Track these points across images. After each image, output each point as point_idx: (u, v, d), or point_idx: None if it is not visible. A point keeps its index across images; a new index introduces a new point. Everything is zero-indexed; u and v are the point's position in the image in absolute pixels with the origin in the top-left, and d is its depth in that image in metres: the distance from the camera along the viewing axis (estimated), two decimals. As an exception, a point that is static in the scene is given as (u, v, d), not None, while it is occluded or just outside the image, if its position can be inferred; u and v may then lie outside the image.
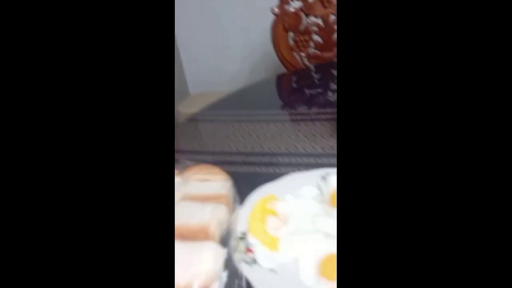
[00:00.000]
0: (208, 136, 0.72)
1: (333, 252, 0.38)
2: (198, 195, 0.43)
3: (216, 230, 0.38)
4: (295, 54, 1.10)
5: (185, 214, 0.38)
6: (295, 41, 1.09)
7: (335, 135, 0.66)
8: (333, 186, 0.46)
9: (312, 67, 1.10)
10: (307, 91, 0.97)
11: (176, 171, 0.48)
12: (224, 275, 0.33)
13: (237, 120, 0.77)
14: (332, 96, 0.85)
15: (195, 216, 0.38)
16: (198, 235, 0.36)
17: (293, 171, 0.53)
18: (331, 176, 0.48)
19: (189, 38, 1.71)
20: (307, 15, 1.05)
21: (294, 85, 1.07)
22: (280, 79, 1.09)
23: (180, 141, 0.71)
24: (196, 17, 1.67)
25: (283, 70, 1.18)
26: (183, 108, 1.50)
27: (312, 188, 0.48)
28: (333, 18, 1.05)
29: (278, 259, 0.39)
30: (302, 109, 0.82)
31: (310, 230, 0.42)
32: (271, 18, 1.08)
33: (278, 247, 0.40)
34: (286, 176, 0.51)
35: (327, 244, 0.39)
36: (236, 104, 0.88)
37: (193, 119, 0.82)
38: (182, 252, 0.33)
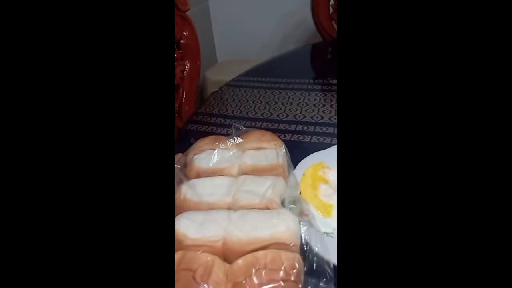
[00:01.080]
0: (248, 102, 0.72)
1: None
2: (256, 167, 0.43)
3: (279, 205, 0.39)
4: (333, 23, 1.05)
5: (247, 191, 0.38)
6: (334, 9, 1.04)
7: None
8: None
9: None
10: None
11: (230, 142, 0.47)
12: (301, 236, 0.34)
13: (276, 88, 0.77)
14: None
15: (257, 194, 0.38)
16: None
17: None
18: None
19: (221, 5, 1.66)
20: None
21: (329, 56, 1.04)
22: (315, 48, 1.06)
23: (218, 107, 0.71)
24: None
25: (316, 40, 1.14)
26: (211, 75, 1.48)
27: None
28: None
29: (332, 224, 0.40)
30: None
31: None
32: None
33: (332, 214, 0.41)
34: (335, 146, 0.51)
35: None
36: (271, 72, 0.87)
37: (230, 85, 0.81)
38: (259, 219, 0.34)
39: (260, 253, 0.31)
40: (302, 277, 0.31)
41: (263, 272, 0.29)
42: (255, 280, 0.29)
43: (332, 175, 0.46)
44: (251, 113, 0.68)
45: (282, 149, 0.47)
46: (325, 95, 0.73)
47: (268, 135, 0.48)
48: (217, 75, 1.44)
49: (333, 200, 0.43)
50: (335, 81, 0.78)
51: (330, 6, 1.05)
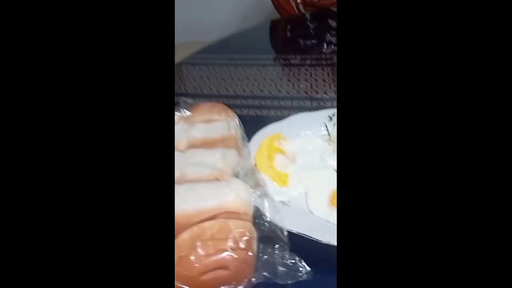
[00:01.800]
0: (203, 80, 0.69)
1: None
2: (205, 140, 0.41)
3: (230, 176, 0.36)
4: (291, 0, 1.04)
5: (195, 164, 0.36)
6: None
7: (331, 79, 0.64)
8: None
9: (307, 15, 1.05)
10: (301, 41, 0.93)
11: (178, 115, 0.45)
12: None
13: (233, 64, 0.74)
14: (327, 49, 0.82)
15: (207, 166, 0.36)
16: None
17: (296, 113, 0.52)
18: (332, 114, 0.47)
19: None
20: None
21: (288, 34, 1.02)
22: (273, 25, 1.04)
23: (174, 85, 0.67)
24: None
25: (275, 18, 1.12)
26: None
27: (318, 128, 0.47)
28: None
29: (288, 193, 0.39)
30: (295, 58, 0.78)
31: (319, 166, 0.41)
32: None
33: (288, 183, 0.40)
34: (291, 117, 0.50)
35: (336, 178, 0.39)
36: (228, 49, 0.84)
37: (185, 63, 0.77)
38: (207, 190, 0.32)
39: (207, 223, 0.29)
40: (255, 246, 0.30)
41: (210, 243, 0.27)
42: (201, 252, 0.27)
43: (288, 146, 0.45)
44: (206, 90, 0.65)
45: (235, 121, 0.44)
46: (283, 69, 0.71)
47: (219, 106, 0.45)
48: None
49: (289, 170, 0.42)
50: (295, 57, 0.76)
51: (286, -17, 1.03)
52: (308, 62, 0.73)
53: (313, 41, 0.92)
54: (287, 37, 1.00)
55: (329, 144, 0.45)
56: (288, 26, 1.05)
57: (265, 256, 0.30)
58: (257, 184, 0.38)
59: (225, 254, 0.27)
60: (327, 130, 0.47)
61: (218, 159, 0.37)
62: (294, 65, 0.72)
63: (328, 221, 0.35)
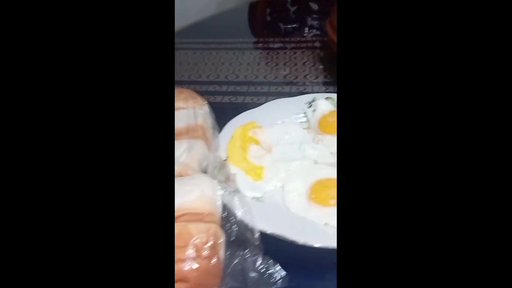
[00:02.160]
0: (175, 66, 0.63)
1: (323, 177, 0.34)
2: None
3: (195, 171, 0.32)
4: (269, -20, 0.98)
5: None
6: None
7: (319, 64, 0.60)
8: (321, 112, 0.42)
9: (287, -3, 1.00)
10: (281, 26, 0.88)
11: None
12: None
13: (207, 48, 0.68)
14: (308, 33, 0.77)
15: None
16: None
17: (274, 99, 0.47)
18: (318, 101, 0.43)
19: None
20: None
21: (268, 18, 0.97)
22: (252, 8, 0.98)
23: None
24: None
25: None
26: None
27: (297, 115, 0.43)
28: None
29: (263, 188, 0.35)
30: (274, 41, 0.74)
31: (297, 157, 0.38)
32: None
33: (262, 176, 0.36)
34: (268, 104, 0.45)
35: (316, 170, 0.36)
36: (204, 32, 0.78)
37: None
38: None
39: (163, 228, 0.24)
40: (222, 252, 0.26)
41: (166, 251, 0.23)
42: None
43: (263, 135, 0.41)
44: (177, 75, 0.59)
45: (204, 108, 0.40)
46: (261, 53, 0.66)
47: (185, 93, 0.40)
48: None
49: (264, 162, 0.38)
50: (271, 39, 0.72)
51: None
52: (288, 46, 0.69)
53: (294, 25, 0.87)
54: (266, 21, 0.95)
55: (308, 132, 0.41)
56: (268, 10, 0.99)
57: (234, 262, 0.26)
58: (227, 179, 0.34)
59: (184, 264, 0.23)
60: (307, 117, 0.43)
61: (183, 152, 0.32)
62: (273, 49, 0.68)
63: (305, 218, 0.31)
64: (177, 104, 0.39)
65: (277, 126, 0.42)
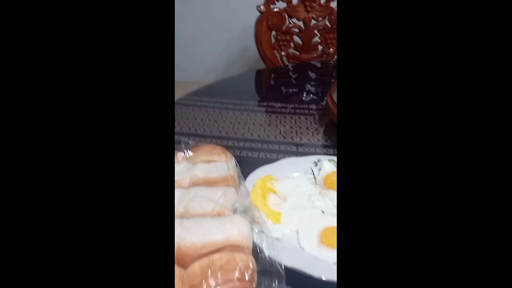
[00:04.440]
0: (197, 121, 0.73)
1: (330, 225, 0.42)
2: (207, 178, 0.45)
3: (230, 212, 0.40)
4: (275, 52, 1.14)
5: (199, 202, 0.39)
6: (276, 39, 1.13)
7: (320, 128, 0.72)
8: (325, 171, 0.51)
9: (290, 67, 1.16)
10: (283, 89, 1.02)
11: (181, 155, 0.48)
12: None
13: (224, 108, 0.80)
14: (306, 97, 0.90)
15: (210, 202, 0.40)
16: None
17: (285, 157, 0.57)
18: (323, 162, 0.53)
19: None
20: (290, 16, 1.11)
21: (272, 82, 1.11)
22: (259, 74, 1.13)
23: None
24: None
25: (258, 67, 1.22)
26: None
27: (305, 172, 0.53)
28: (314, 22, 1.12)
29: (281, 230, 0.43)
30: (279, 105, 0.86)
31: (308, 206, 0.46)
32: (254, 15, 1.11)
33: (281, 220, 0.44)
34: (282, 160, 0.55)
35: (324, 218, 0.44)
36: (218, 93, 0.90)
37: (177, 103, 0.82)
38: (212, 225, 0.35)
39: (216, 255, 0.32)
40: (256, 277, 0.33)
41: (219, 273, 0.30)
42: (212, 282, 0.29)
43: (279, 186, 0.49)
44: (200, 130, 0.69)
45: (233, 162, 0.49)
46: (270, 116, 0.78)
47: (218, 148, 0.50)
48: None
49: (281, 209, 0.46)
50: (278, 104, 0.83)
51: (272, 37, 1.14)
52: (288, 110, 0.81)
53: (294, 89, 1.01)
54: (270, 85, 1.09)
55: (315, 187, 0.50)
56: (272, 75, 1.14)
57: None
58: (253, 221, 0.42)
59: (232, 284, 0.30)
60: (313, 174, 0.52)
61: (220, 197, 0.41)
62: (278, 112, 0.79)
63: (318, 257, 0.39)
64: (213, 157, 0.48)
65: (290, 180, 0.51)
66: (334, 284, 0.35)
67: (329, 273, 0.36)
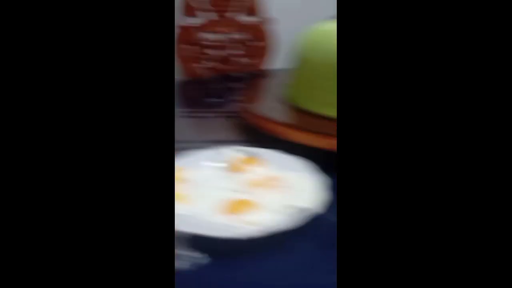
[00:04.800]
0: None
1: (236, 198, 0.48)
2: None
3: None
4: (194, 64, 1.19)
5: None
6: (195, 52, 1.18)
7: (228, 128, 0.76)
8: (232, 157, 0.57)
9: (208, 78, 1.20)
10: (204, 99, 1.06)
11: None
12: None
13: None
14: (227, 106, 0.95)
15: None
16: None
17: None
18: (226, 150, 0.58)
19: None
20: (209, 31, 1.16)
21: (192, 93, 1.14)
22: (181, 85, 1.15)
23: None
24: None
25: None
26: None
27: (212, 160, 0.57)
28: (234, 35, 1.18)
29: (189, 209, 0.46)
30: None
31: (216, 187, 0.51)
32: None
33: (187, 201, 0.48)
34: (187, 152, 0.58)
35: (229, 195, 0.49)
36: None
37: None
38: None
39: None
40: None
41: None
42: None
43: (187, 174, 0.53)
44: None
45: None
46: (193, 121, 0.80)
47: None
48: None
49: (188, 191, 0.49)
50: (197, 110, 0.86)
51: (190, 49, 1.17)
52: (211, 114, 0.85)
53: (215, 99, 1.06)
54: (191, 95, 1.12)
55: (223, 171, 0.55)
56: (190, 87, 1.17)
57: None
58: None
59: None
60: (221, 161, 0.58)
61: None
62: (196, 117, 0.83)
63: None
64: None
65: (197, 168, 0.55)
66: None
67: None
